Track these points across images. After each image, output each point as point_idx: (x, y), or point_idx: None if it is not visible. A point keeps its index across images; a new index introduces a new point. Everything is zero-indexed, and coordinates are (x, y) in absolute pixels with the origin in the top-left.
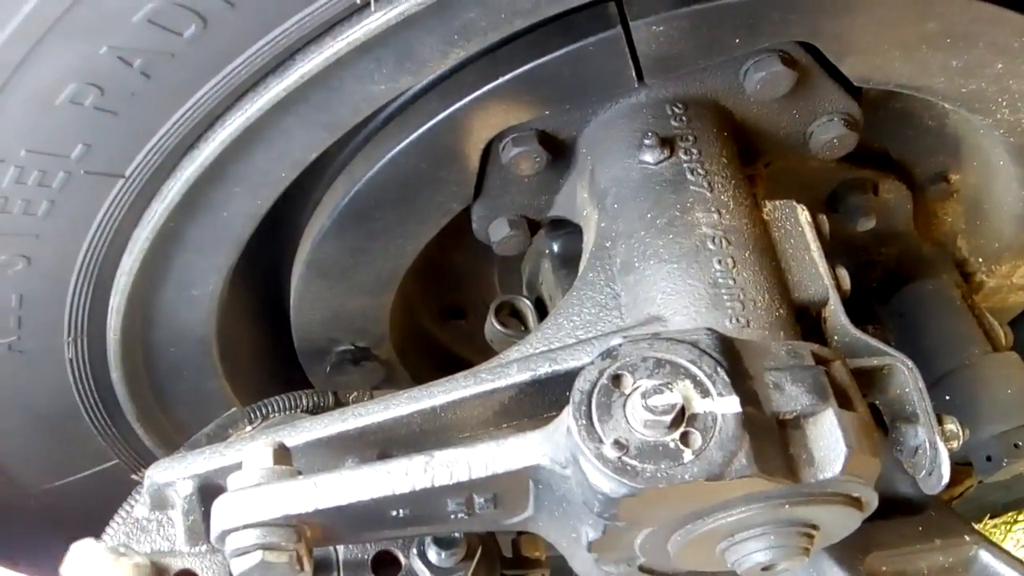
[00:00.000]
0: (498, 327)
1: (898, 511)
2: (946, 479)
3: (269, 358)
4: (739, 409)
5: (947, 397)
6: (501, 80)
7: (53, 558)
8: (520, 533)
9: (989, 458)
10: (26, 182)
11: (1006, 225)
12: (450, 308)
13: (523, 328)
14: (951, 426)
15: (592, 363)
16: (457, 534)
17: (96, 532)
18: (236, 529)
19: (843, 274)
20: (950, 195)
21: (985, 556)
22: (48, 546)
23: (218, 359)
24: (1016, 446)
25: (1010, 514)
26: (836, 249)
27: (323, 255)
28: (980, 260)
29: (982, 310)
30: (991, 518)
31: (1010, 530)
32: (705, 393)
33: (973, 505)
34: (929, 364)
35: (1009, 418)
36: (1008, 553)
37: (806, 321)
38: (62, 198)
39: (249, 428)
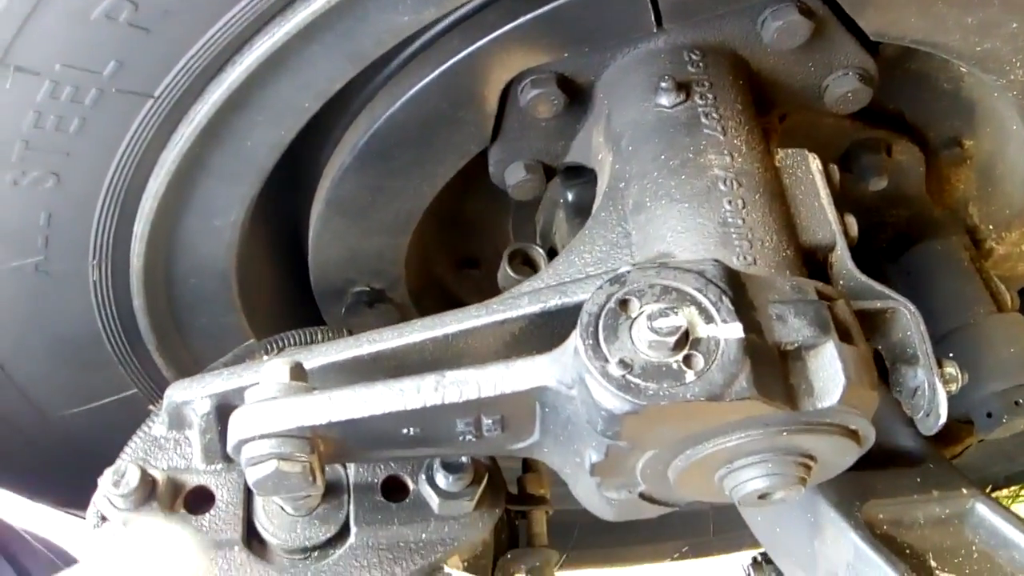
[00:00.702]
0: (511, 274)
1: (897, 462)
2: (943, 419)
3: (287, 296)
4: (742, 335)
5: (951, 354)
6: (522, 20)
7: (70, 485)
8: (525, 470)
9: (990, 415)
10: (59, 97)
11: (1017, 193)
12: (465, 257)
13: None
14: (950, 369)
15: (600, 287)
16: (464, 459)
17: (113, 460)
18: (252, 439)
19: (851, 221)
20: (963, 161)
21: (982, 509)
22: (66, 472)
23: (237, 293)
24: (1017, 403)
25: (1012, 488)
26: (848, 209)
27: (342, 193)
28: (991, 227)
29: (989, 273)
30: (993, 491)
31: (1012, 504)
32: (709, 319)
33: (975, 477)
34: (934, 322)
35: (1011, 376)
36: (1004, 507)
37: (813, 265)
38: (93, 115)
39: (266, 358)
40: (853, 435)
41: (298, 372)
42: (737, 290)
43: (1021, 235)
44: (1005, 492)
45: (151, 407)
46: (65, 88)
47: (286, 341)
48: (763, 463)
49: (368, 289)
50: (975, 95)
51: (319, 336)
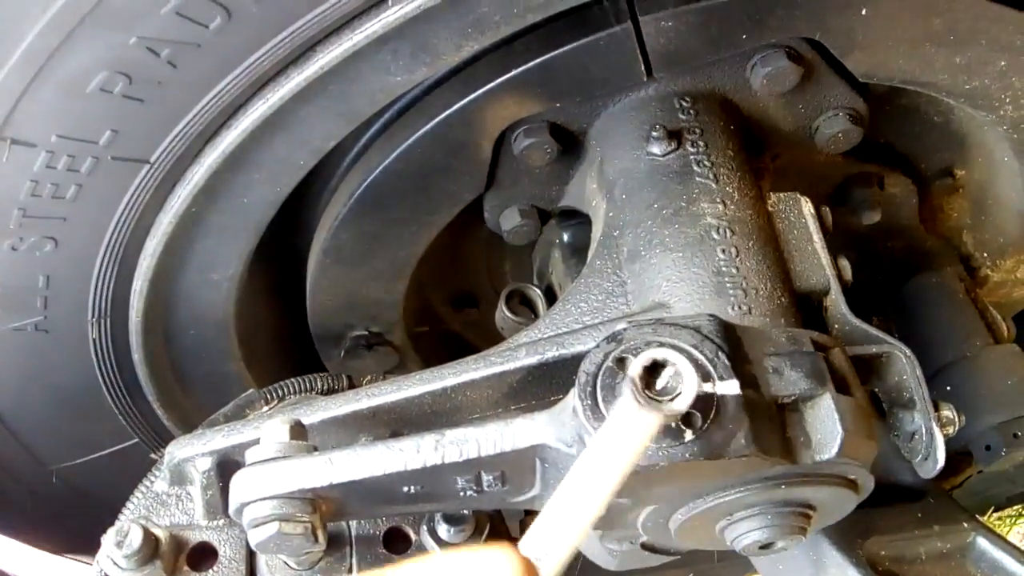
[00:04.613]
0: (508, 315)
1: (897, 498)
2: (941, 463)
3: (286, 343)
4: (739, 391)
5: (948, 387)
6: (514, 73)
7: (71, 535)
8: (527, 513)
9: (989, 447)
10: (56, 167)
11: (1010, 221)
12: (463, 298)
13: (533, 316)
14: (947, 412)
15: (597, 346)
16: (466, 511)
17: (115, 510)
18: (254, 501)
19: (844, 264)
20: (955, 190)
21: (983, 543)
22: (67, 523)
23: (236, 342)
24: (1016, 436)
25: (1015, 508)
26: (842, 242)
27: (339, 242)
28: (985, 255)
29: (985, 303)
30: (995, 511)
31: (1014, 524)
32: (706, 376)
33: (977, 499)
34: (931, 355)
35: (1009, 408)
36: (1005, 540)
37: (808, 310)
38: (90, 182)
39: (266, 408)
40: (852, 484)
41: (298, 431)
42: (733, 345)
43: (1015, 262)
44: (1007, 512)
45: (153, 455)
46: (61, 158)
47: (286, 390)
48: (763, 515)
49: (366, 333)
50: (965, 127)
51: (318, 383)
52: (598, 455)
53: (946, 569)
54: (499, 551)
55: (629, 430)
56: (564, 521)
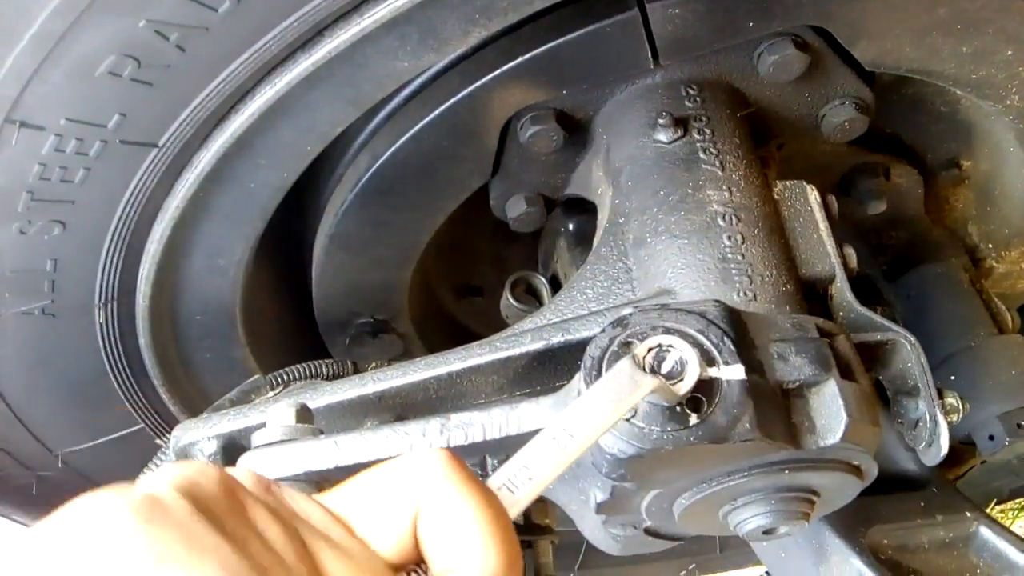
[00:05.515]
0: (513, 303)
1: (901, 487)
2: (945, 450)
3: (292, 329)
4: (744, 376)
5: (952, 377)
6: (520, 60)
7: None
8: None
9: (992, 437)
10: (64, 150)
11: (1016, 212)
12: (468, 286)
13: (538, 304)
14: (951, 400)
15: (603, 331)
16: None
17: None
18: None
19: (850, 252)
20: (961, 181)
21: (985, 532)
22: None
23: (242, 328)
24: (1019, 425)
25: (1017, 501)
26: (847, 232)
27: (345, 229)
28: (990, 246)
29: (990, 294)
30: (997, 504)
31: (1017, 517)
32: (711, 361)
33: (980, 491)
34: (935, 345)
35: (1012, 398)
36: (1008, 530)
37: (813, 297)
38: (98, 166)
39: (271, 393)
40: (856, 470)
41: (303, 414)
42: (738, 330)
43: (1020, 254)
44: (1010, 505)
45: (159, 441)
46: (70, 141)
47: (291, 375)
48: (766, 500)
49: (372, 320)
50: (971, 117)
51: (323, 369)
52: (587, 406)
53: (949, 558)
54: (422, 450)
55: (621, 388)
56: (539, 462)
